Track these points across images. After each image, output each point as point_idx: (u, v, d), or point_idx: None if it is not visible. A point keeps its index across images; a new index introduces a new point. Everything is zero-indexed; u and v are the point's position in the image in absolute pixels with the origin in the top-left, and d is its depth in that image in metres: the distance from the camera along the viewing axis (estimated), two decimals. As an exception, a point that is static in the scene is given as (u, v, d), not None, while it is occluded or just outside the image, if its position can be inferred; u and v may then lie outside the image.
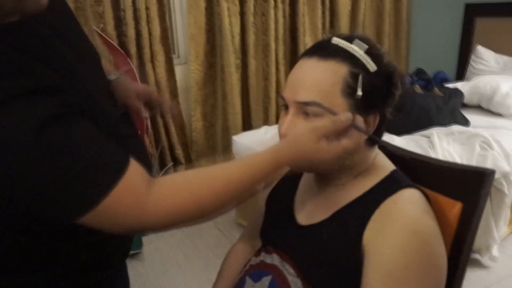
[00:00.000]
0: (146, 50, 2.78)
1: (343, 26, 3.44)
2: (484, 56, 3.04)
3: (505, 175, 1.98)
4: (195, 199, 0.64)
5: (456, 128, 2.21)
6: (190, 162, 3.17)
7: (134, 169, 0.63)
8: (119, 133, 0.75)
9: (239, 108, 3.17)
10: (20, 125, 0.54)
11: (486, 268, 2.06)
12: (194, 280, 2.13)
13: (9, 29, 0.57)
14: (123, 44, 2.72)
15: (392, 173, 0.79)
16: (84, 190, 0.58)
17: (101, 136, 0.62)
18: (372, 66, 0.73)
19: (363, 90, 0.71)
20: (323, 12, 3.34)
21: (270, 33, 3.11)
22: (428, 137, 2.17)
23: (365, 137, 0.75)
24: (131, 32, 2.70)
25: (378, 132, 0.78)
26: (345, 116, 0.70)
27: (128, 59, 2.58)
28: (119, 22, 2.69)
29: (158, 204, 0.62)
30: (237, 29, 3.04)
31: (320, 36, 3.34)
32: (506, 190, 1.97)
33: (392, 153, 0.89)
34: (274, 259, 0.84)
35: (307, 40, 3.31)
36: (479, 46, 3.10)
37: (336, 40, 0.75)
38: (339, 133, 0.70)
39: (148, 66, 2.82)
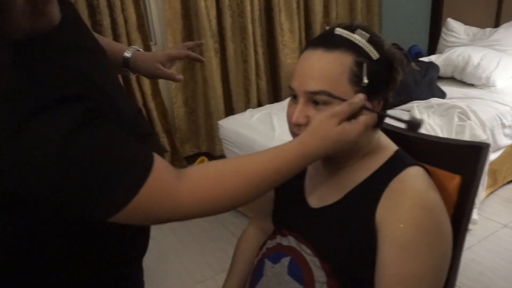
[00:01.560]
0: (123, 39, 2.73)
1: (317, 4, 3.46)
2: (455, 28, 3.14)
3: (482, 143, 2.09)
4: (227, 189, 0.66)
5: (434, 101, 2.31)
6: (175, 149, 3.17)
7: (160, 163, 0.65)
8: (136, 132, 0.77)
9: (220, 92, 3.17)
10: (50, 135, 0.56)
11: (468, 230, 2.19)
12: (192, 265, 2.18)
13: (26, 41, 0.58)
14: (99, 33, 2.65)
15: (396, 153, 0.85)
16: (115, 189, 0.60)
17: (124, 136, 0.64)
18: (374, 54, 0.77)
19: (368, 78, 0.76)
20: (297, -9, 3.35)
21: (246, 15, 3.10)
22: (408, 111, 2.25)
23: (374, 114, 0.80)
24: (106, 21, 2.64)
25: (382, 115, 0.83)
26: (358, 97, 0.74)
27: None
28: (93, 11, 2.62)
29: (191, 195, 0.64)
30: (213, 13, 3.02)
31: (295, 16, 3.36)
32: (483, 157, 2.09)
33: (393, 132, 0.95)
34: (290, 241, 0.89)
35: (282, 20, 3.32)
36: (449, 18, 3.19)
37: (339, 31, 0.79)
38: (355, 114, 0.74)
39: (126, 55, 2.78)
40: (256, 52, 3.26)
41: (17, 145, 0.55)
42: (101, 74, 0.74)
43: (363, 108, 0.74)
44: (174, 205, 0.64)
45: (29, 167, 0.56)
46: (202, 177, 0.67)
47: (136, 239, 0.87)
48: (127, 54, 1.01)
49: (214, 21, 3.03)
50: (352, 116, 0.74)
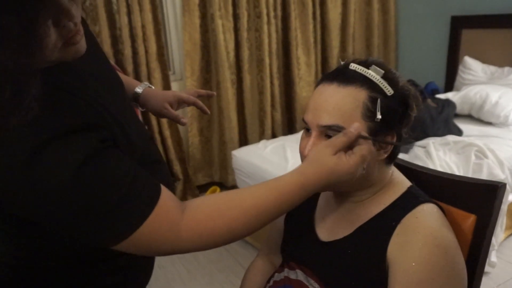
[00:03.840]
0: (143, 68, 2.81)
1: (334, 39, 3.52)
2: (472, 66, 3.14)
3: (500, 183, 2.04)
4: (227, 223, 0.67)
5: (451, 138, 2.28)
6: (187, 177, 3.18)
7: (166, 195, 0.66)
8: (147, 159, 0.78)
9: (235, 123, 3.20)
10: (64, 163, 0.57)
11: (486, 273, 2.10)
12: (199, 296, 2.13)
13: (46, 68, 0.60)
14: (119, 62, 2.75)
15: (410, 189, 0.83)
16: (121, 220, 0.61)
17: (134, 166, 0.65)
18: (389, 90, 0.77)
19: (381, 113, 0.76)
20: (315, 26, 3.42)
21: (264, 48, 3.16)
22: (424, 147, 2.23)
23: (383, 152, 0.79)
24: (127, 50, 2.72)
25: (395, 151, 0.83)
26: (354, 127, 0.74)
27: (126, 77, 2.60)
28: (115, 41, 2.71)
29: (192, 229, 0.65)
30: (231, 45, 3.09)
31: (312, 50, 3.41)
32: (501, 197, 2.04)
33: (407, 169, 0.93)
34: (298, 275, 0.87)
35: (299, 54, 3.38)
36: (466, 57, 3.20)
37: (354, 66, 0.79)
38: (352, 144, 0.74)
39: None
40: (272, 84, 3.31)
41: (30, 172, 0.56)
42: (117, 103, 0.75)
43: (360, 137, 0.74)
44: (175, 239, 0.65)
45: (41, 194, 0.57)
46: (202, 210, 0.67)
47: (141, 266, 0.86)
48: (138, 89, 1.04)
49: (232, 53, 3.10)
50: (354, 144, 0.74)
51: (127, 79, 1.06)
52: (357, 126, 0.74)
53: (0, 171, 0.56)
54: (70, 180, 0.57)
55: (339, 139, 0.73)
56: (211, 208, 0.68)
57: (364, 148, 0.74)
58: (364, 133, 0.76)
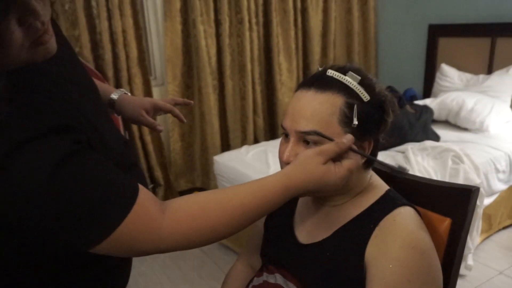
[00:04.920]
0: (124, 73, 2.78)
1: (315, 46, 3.56)
2: (449, 73, 3.22)
3: (476, 187, 2.09)
4: (210, 223, 0.67)
5: (429, 143, 2.32)
6: (169, 183, 3.15)
7: (145, 195, 0.65)
8: (123, 162, 0.77)
9: (217, 128, 3.20)
10: (39, 165, 0.57)
11: (463, 276, 2.15)
12: (180, 303, 2.11)
13: (21, 71, 0.60)
14: (100, 67, 2.72)
15: (387, 192, 0.85)
16: (99, 220, 0.61)
17: (110, 167, 0.65)
18: (365, 96, 0.79)
19: (358, 119, 0.77)
20: (296, 33, 3.46)
21: (246, 54, 3.18)
22: (403, 152, 2.27)
23: (361, 157, 0.80)
24: (108, 55, 2.70)
25: (373, 156, 0.84)
26: (347, 138, 0.75)
27: (106, 81, 2.58)
28: (95, 46, 2.68)
29: (174, 228, 0.65)
30: (213, 51, 3.10)
31: (294, 56, 3.45)
32: (478, 202, 2.08)
33: (385, 173, 0.95)
34: (277, 278, 0.87)
35: (281, 60, 3.41)
36: (443, 64, 3.27)
37: (331, 72, 0.81)
38: (341, 155, 0.75)
39: (126, 88, 2.82)
40: (254, 90, 3.32)
41: (5, 175, 0.55)
42: (91, 107, 0.75)
43: (350, 149, 0.75)
44: (156, 238, 0.64)
45: (17, 197, 0.56)
46: (184, 210, 0.67)
47: (117, 271, 0.85)
48: (114, 96, 1.04)
49: (214, 59, 3.11)
50: (340, 156, 0.75)
51: (103, 86, 1.05)
52: (350, 138, 0.75)
53: None
54: (46, 182, 0.56)
55: (331, 149, 0.73)
56: (194, 208, 0.67)
57: (353, 163, 0.75)
58: (356, 148, 0.77)
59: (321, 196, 0.87)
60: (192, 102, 1.14)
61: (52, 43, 0.59)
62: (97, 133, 0.70)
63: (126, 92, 1.06)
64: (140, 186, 0.66)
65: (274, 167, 2.31)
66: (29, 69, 0.60)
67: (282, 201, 0.72)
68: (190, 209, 0.67)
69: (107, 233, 0.61)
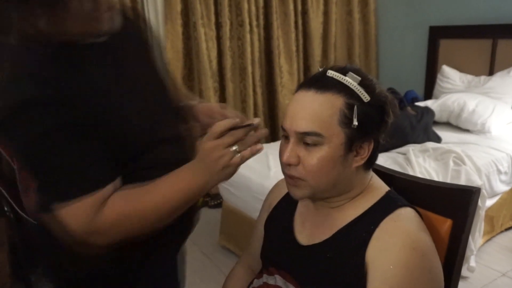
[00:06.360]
0: (125, 76, 2.78)
1: (316, 48, 3.56)
2: (450, 75, 3.21)
3: (477, 189, 2.09)
4: (138, 227, 0.76)
5: (430, 145, 2.32)
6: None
7: (87, 201, 0.71)
8: (162, 156, 0.83)
9: (218, 131, 3.19)
10: (32, 127, 0.69)
11: (465, 278, 2.14)
12: (182, 306, 2.10)
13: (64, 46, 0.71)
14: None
15: (388, 193, 0.84)
16: (52, 189, 0.72)
17: (88, 158, 0.73)
18: (366, 97, 0.78)
19: (358, 120, 0.77)
20: (297, 35, 3.46)
21: (247, 56, 3.18)
22: (404, 154, 2.26)
23: (360, 158, 0.80)
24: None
25: (373, 157, 0.84)
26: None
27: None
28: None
29: (103, 230, 0.73)
30: (214, 53, 3.10)
31: (294, 59, 3.45)
32: (479, 203, 2.08)
33: (385, 174, 0.95)
34: (277, 280, 0.87)
35: (282, 63, 3.41)
36: (445, 66, 3.27)
37: (331, 73, 0.80)
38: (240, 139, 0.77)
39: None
40: (255, 92, 3.32)
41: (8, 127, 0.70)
42: (129, 93, 0.81)
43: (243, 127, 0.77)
44: (87, 236, 0.73)
45: (18, 144, 0.72)
46: (113, 218, 0.74)
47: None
48: (192, 102, 1.05)
49: (214, 62, 3.11)
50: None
51: (187, 94, 1.11)
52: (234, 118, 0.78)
53: None
54: (37, 139, 0.69)
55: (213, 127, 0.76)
56: (123, 214, 0.75)
57: (248, 153, 0.77)
58: (237, 123, 0.77)
59: (317, 198, 0.86)
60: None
61: (104, 23, 0.73)
62: (122, 120, 0.77)
63: (202, 100, 1.09)
64: (100, 189, 0.73)
65: (275, 169, 2.31)
66: (75, 48, 0.72)
67: (196, 191, 0.78)
68: (119, 215, 0.74)
69: (51, 204, 0.71)
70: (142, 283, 0.92)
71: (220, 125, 0.75)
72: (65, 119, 0.70)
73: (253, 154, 0.78)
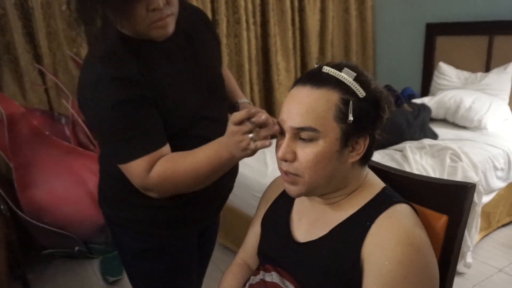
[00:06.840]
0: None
1: (313, 45, 3.56)
2: (447, 72, 3.21)
3: (474, 185, 2.09)
4: (180, 185, 0.94)
5: (427, 141, 2.32)
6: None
7: (141, 162, 0.91)
8: (203, 131, 1.02)
9: (215, 128, 3.19)
10: (104, 100, 0.89)
11: (462, 274, 2.15)
12: (179, 304, 2.10)
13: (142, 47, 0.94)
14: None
15: (383, 190, 0.85)
16: (120, 150, 0.94)
17: (146, 125, 0.92)
18: (361, 93, 0.78)
19: (353, 115, 0.77)
20: (294, 33, 3.45)
21: (243, 53, 3.18)
22: (401, 151, 2.27)
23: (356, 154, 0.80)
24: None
25: (368, 152, 0.84)
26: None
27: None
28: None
29: (153, 187, 0.94)
30: (211, 51, 3.09)
31: (291, 56, 3.44)
32: (476, 200, 2.08)
33: (381, 171, 0.95)
34: (273, 277, 0.87)
35: (279, 60, 3.40)
36: (441, 62, 3.27)
37: (326, 69, 0.80)
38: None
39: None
40: (252, 89, 3.32)
41: (89, 104, 0.92)
42: (180, 81, 1.00)
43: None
44: (143, 187, 0.95)
45: (92, 115, 0.94)
46: (160, 178, 0.93)
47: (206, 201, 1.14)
48: (240, 100, 1.23)
49: (211, 59, 3.10)
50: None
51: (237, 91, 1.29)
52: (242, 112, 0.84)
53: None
54: (104, 113, 0.89)
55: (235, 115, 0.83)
56: (167, 177, 0.93)
57: (263, 143, 0.83)
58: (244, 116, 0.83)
59: (312, 195, 0.86)
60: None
61: (165, 29, 0.90)
62: (178, 103, 0.98)
63: (250, 102, 1.25)
64: (148, 154, 0.92)
65: (272, 166, 2.31)
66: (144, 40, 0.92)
67: (226, 161, 0.90)
68: (163, 178, 0.93)
69: (120, 162, 0.94)
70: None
71: (237, 115, 0.83)
72: (126, 94, 0.88)
73: (262, 146, 0.83)
